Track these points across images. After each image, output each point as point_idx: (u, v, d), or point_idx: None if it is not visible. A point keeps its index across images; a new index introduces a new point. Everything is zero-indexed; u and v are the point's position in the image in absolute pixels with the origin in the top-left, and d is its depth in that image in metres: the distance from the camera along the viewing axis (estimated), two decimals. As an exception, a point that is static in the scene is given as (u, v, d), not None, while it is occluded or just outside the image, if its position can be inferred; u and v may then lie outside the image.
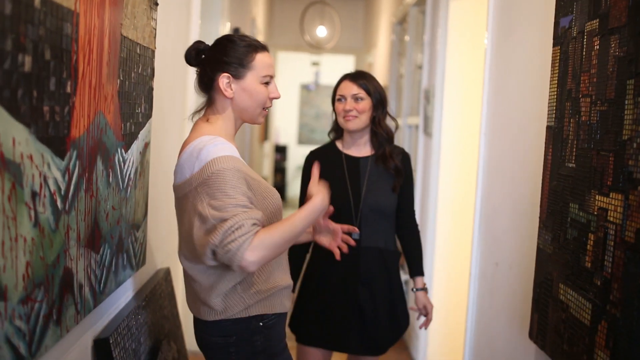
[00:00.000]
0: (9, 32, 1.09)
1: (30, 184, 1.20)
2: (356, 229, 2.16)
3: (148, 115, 2.10)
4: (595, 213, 1.50)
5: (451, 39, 3.60)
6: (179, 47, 2.62)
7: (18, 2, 1.12)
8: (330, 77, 11.04)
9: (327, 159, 2.43)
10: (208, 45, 1.78)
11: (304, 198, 2.43)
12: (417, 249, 2.51)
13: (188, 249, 1.67)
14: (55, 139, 1.31)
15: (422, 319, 2.52)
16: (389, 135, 2.42)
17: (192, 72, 1.82)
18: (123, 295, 1.99)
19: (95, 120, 1.56)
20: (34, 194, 1.22)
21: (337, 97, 2.41)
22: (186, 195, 1.65)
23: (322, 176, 2.41)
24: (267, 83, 1.76)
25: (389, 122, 2.48)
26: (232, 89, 1.72)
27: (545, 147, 1.86)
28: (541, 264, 1.86)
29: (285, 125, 11.55)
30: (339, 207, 2.35)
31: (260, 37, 6.93)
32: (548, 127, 1.85)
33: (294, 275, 2.40)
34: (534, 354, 1.95)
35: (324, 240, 2.09)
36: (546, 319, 1.80)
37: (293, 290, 2.42)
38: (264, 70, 1.74)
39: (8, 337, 1.13)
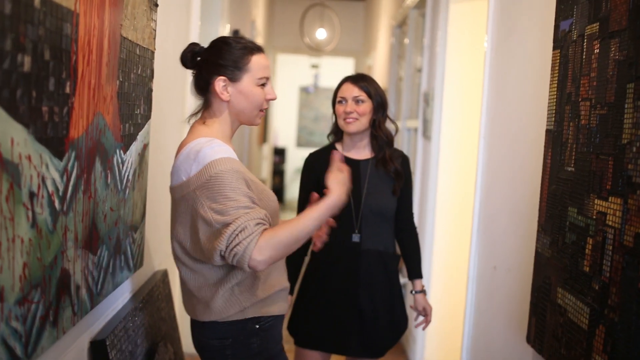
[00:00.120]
0: (9, 31, 1.09)
1: (28, 184, 1.20)
2: (334, 222, 2.06)
3: (147, 117, 2.10)
4: (594, 217, 1.50)
5: (451, 42, 3.60)
6: (178, 49, 2.60)
7: (18, 2, 1.11)
8: (329, 80, 11.04)
9: (326, 161, 2.42)
10: (203, 47, 1.78)
11: (303, 200, 2.43)
12: (415, 251, 2.52)
13: (195, 250, 1.66)
14: (54, 140, 1.31)
15: (421, 318, 2.53)
16: (389, 139, 2.43)
17: (191, 74, 1.82)
18: (120, 297, 1.98)
19: (94, 121, 1.56)
20: (32, 195, 1.21)
21: (338, 99, 2.41)
22: (184, 198, 1.64)
23: (322, 178, 2.42)
24: (263, 85, 1.76)
25: (389, 126, 2.48)
26: (228, 92, 1.72)
27: (544, 151, 1.86)
28: (539, 267, 1.86)
29: (284, 127, 11.55)
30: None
31: (260, 39, 6.93)
32: (547, 131, 1.85)
33: (293, 278, 2.40)
34: (532, 358, 1.95)
35: None
36: (544, 323, 1.79)
37: (292, 293, 2.42)
38: (260, 72, 1.74)
39: (4, 338, 1.13)
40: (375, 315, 2.38)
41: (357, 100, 2.36)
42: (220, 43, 1.75)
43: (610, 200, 1.42)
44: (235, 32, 4.73)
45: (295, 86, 11.62)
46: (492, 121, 2.61)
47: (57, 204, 1.34)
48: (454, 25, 3.60)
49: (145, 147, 2.10)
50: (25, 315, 1.21)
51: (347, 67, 9.94)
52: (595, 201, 1.50)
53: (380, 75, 6.29)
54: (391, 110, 2.59)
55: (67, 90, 1.37)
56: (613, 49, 1.45)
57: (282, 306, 1.79)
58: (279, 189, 10.91)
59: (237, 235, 1.51)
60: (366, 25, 8.70)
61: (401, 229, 2.48)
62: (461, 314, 2.94)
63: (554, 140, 1.79)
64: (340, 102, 2.40)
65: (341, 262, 2.37)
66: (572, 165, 1.65)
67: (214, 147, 1.63)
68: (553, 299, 1.73)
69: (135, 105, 1.94)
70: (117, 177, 1.79)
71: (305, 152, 2.70)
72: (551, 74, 1.84)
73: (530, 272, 1.95)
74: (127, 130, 1.86)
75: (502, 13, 2.55)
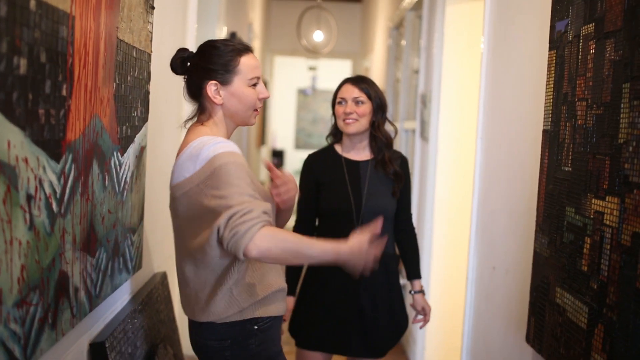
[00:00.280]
0: (4, 34, 1.09)
1: (25, 187, 1.20)
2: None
3: (144, 119, 2.10)
4: (592, 216, 1.50)
5: (448, 43, 3.61)
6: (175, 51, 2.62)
7: (13, 5, 1.11)
8: (327, 82, 11.06)
9: (326, 163, 2.44)
10: (192, 52, 1.79)
11: (302, 201, 2.44)
12: (414, 252, 2.52)
13: (193, 245, 1.66)
14: (51, 142, 1.31)
15: (420, 317, 2.54)
16: (388, 141, 2.43)
17: (182, 79, 1.83)
18: (119, 299, 1.98)
19: (91, 124, 1.56)
20: (29, 197, 1.21)
21: (338, 100, 2.41)
22: (186, 194, 1.64)
23: (322, 179, 2.42)
24: (254, 85, 1.76)
25: (388, 128, 2.49)
26: (220, 95, 1.73)
27: (541, 151, 1.86)
28: (538, 267, 1.86)
29: (282, 129, 11.56)
30: (340, 209, 2.36)
31: (257, 42, 6.94)
32: (544, 131, 1.85)
33: (293, 279, 2.40)
34: (531, 358, 1.95)
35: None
36: (543, 323, 1.79)
37: (293, 295, 2.43)
38: (250, 72, 1.75)
39: (3, 341, 1.13)
40: (376, 316, 2.38)
41: (357, 102, 2.37)
42: (208, 47, 1.76)
43: (607, 199, 1.43)
44: (232, 35, 4.73)
45: (293, 88, 11.64)
46: (489, 122, 2.61)
47: (54, 207, 1.34)
48: (451, 26, 3.61)
49: (143, 149, 2.10)
50: (23, 318, 1.21)
51: (344, 69, 9.95)
52: (593, 201, 1.50)
53: (377, 77, 6.30)
54: (389, 112, 2.59)
55: (64, 92, 1.37)
56: (608, 49, 1.45)
57: (280, 307, 1.79)
58: (277, 191, 10.88)
59: (242, 215, 1.50)
60: (363, 27, 8.70)
61: (400, 229, 2.49)
62: (460, 314, 2.94)
63: (551, 140, 1.79)
64: (340, 103, 2.40)
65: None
66: (569, 165, 1.65)
67: (218, 143, 1.64)
68: (552, 298, 1.74)
69: (132, 107, 1.94)
70: (115, 180, 1.79)
71: (304, 154, 2.70)
72: (547, 74, 1.84)
73: (528, 272, 1.95)
74: (124, 133, 1.86)
75: (499, 14, 2.56)
